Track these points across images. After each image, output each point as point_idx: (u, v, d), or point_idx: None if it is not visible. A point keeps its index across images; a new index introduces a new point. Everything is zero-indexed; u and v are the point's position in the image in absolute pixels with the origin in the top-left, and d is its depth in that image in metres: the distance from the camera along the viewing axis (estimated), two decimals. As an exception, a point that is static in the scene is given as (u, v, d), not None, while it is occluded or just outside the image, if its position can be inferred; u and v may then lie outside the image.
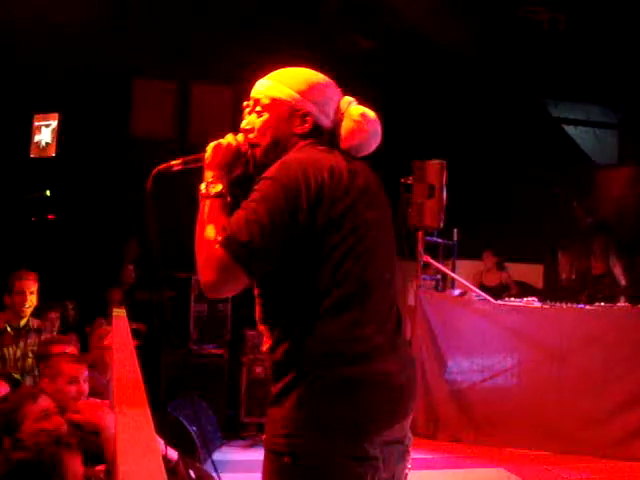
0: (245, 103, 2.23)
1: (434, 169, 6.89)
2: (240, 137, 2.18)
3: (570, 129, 10.04)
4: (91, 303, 7.18)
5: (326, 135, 2.14)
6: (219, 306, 6.98)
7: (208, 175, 2.13)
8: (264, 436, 2.08)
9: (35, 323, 5.07)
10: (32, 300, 5.00)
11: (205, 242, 1.99)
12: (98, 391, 3.84)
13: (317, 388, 1.94)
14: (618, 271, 7.96)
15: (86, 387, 3.56)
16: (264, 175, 2.00)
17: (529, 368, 6.44)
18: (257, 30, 8.68)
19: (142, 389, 2.13)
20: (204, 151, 2.19)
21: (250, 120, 2.19)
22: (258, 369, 6.61)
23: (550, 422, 6.23)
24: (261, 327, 2.08)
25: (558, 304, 6.75)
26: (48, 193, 8.49)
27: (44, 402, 2.94)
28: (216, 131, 8.25)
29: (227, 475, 5.07)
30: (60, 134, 8.69)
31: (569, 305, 6.76)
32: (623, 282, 7.82)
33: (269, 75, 2.20)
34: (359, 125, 2.13)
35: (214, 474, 4.01)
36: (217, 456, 5.69)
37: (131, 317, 4.35)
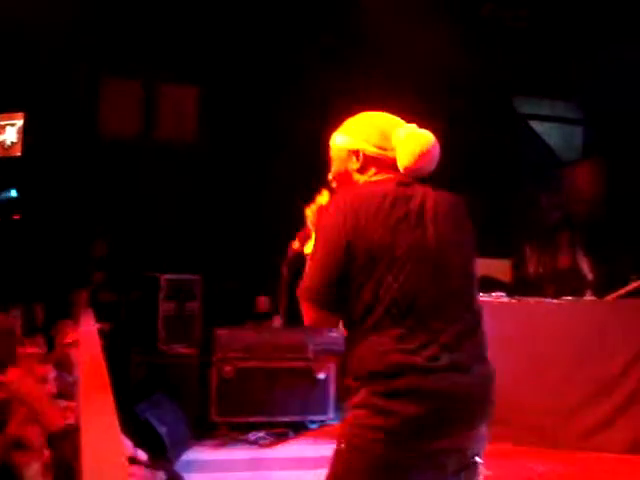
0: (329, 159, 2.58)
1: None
2: (325, 194, 2.57)
3: (536, 125, 10.13)
4: (57, 304, 7.11)
5: (387, 165, 2.42)
6: (188, 306, 6.97)
7: (314, 235, 2.44)
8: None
9: None
10: None
11: None
12: (65, 392, 3.81)
13: (371, 395, 2.16)
14: (585, 265, 8.04)
15: (54, 387, 3.54)
16: (316, 221, 2.44)
17: (496, 362, 6.47)
18: (225, 29, 8.67)
19: (108, 389, 2.12)
20: (305, 223, 2.60)
21: (331, 171, 2.56)
22: (228, 368, 6.59)
23: (518, 415, 6.27)
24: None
25: (525, 298, 6.80)
26: (14, 193, 8.40)
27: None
28: (182, 130, 8.21)
29: (198, 475, 5.08)
30: (26, 133, 8.60)
31: (536, 299, 6.82)
32: (590, 276, 7.90)
33: (338, 129, 2.55)
34: (410, 148, 2.39)
35: (184, 474, 4.01)
36: (188, 456, 5.67)
37: (96, 317, 4.33)
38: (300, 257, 2.57)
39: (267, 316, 7.76)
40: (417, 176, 2.42)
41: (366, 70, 8.63)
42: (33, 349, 4.14)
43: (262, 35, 8.71)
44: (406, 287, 2.21)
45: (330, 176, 2.56)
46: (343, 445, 2.21)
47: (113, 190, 8.45)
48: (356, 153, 2.45)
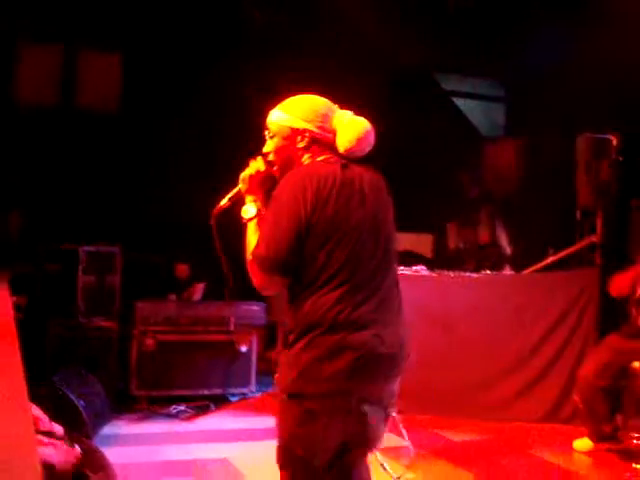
0: (266, 132, 2.78)
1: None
2: (260, 161, 2.78)
3: (459, 102, 10.25)
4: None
5: (327, 145, 2.71)
6: (108, 278, 6.85)
7: (248, 200, 2.75)
8: (277, 383, 2.60)
9: None
10: None
11: (247, 257, 2.61)
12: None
13: (309, 348, 2.49)
14: (503, 240, 8.21)
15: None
16: (273, 193, 2.60)
17: (416, 335, 6.55)
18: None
19: (19, 360, 2.07)
20: (238, 184, 2.80)
21: (268, 144, 2.77)
22: (148, 341, 6.52)
23: (437, 387, 6.40)
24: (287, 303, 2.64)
25: (445, 272, 6.91)
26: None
27: None
28: (104, 99, 8.01)
29: (117, 449, 5.03)
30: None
31: (455, 273, 6.93)
32: (508, 251, 8.08)
33: (277, 107, 2.76)
34: (351, 133, 2.70)
35: (103, 449, 3.96)
36: (107, 430, 5.60)
37: (12, 290, 4.22)
38: (225, 213, 2.81)
39: (187, 284, 7.70)
40: (353, 158, 2.72)
41: (290, 44, 8.59)
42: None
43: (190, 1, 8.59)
44: (349, 258, 2.55)
45: (269, 148, 2.77)
46: (283, 395, 2.54)
47: (30, 160, 8.23)
48: (302, 132, 2.70)
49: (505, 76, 9.89)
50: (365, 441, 2.69)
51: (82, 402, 5.07)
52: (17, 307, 4.89)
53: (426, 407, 6.37)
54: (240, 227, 2.77)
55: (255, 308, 6.79)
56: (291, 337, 2.57)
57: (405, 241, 8.77)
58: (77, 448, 3.32)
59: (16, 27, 8.42)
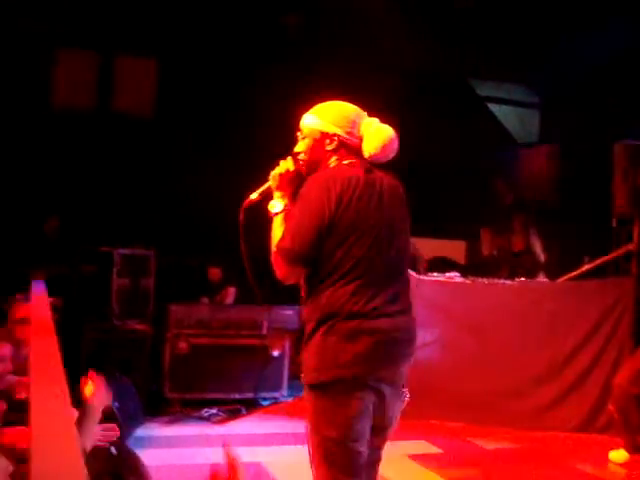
0: (298, 133, 2.98)
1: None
2: (289, 161, 2.96)
3: (494, 107, 10.20)
4: (9, 282, 6.96)
5: (353, 149, 2.91)
6: (142, 281, 6.89)
7: (276, 196, 2.94)
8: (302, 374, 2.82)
9: None
10: None
11: (272, 250, 2.82)
12: (19, 368, 3.76)
13: (328, 335, 2.71)
14: (537, 248, 8.14)
15: (10, 365, 3.48)
16: (300, 191, 2.82)
17: (450, 342, 6.56)
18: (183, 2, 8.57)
19: (59, 363, 2.09)
20: (268, 180, 2.97)
21: (300, 145, 2.97)
22: (182, 344, 6.56)
23: (471, 395, 6.36)
24: (304, 297, 2.89)
25: (479, 279, 6.87)
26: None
27: None
28: (140, 104, 8.08)
29: (150, 451, 5.05)
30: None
31: (490, 280, 6.89)
32: (542, 258, 8.01)
33: (310, 111, 2.97)
34: (377, 140, 2.88)
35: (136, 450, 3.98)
36: (140, 432, 5.64)
37: (48, 291, 4.26)
38: (254, 207, 2.97)
39: (219, 287, 7.73)
40: (377, 163, 2.91)
41: (326, 54, 8.60)
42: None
43: (226, 7, 8.63)
44: (365, 256, 2.77)
45: (300, 148, 2.96)
46: (310, 389, 2.74)
47: (67, 163, 8.32)
48: (331, 136, 2.90)
49: (540, 82, 9.81)
50: (386, 422, 2.88)
51: (116, 404, 5.10)
52: (54, 308, 4.94)
53: (459, 415, 6.35)
54: (267, 223, 2.95)
55: (288, 312, 6.80)
56: (310, 327, 2.77)
57: (438, 247, 8.75)
58: (112, 449, 3.34)
59: (54, 32, 8.52)
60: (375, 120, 2.96)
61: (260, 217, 2.95)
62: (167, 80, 9.08)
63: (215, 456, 5.21)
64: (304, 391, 2.81)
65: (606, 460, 5.51)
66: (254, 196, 3.00)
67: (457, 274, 6.94)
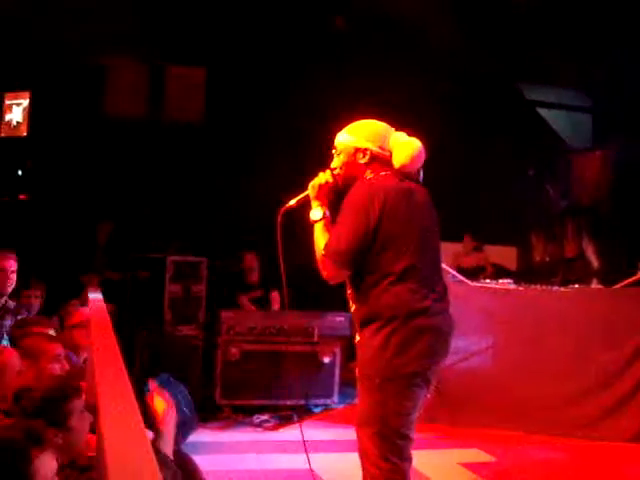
0: (333, 151, 3.26)
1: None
2: (328, 173, 3.23)
3: (544, 112, 10.09)
4: (62, 286, 7.07)
5: (385, 162, 3.17)
6: (194, 287, 6.96)
7: (314, 205, 3.20)
8: (357, 369, 3.10)
9: (12, 304, 4.99)
10: (13, 279, 4.92)
11: (318, 253, 3.11)
12: (74, 372, 3.81)
13: (393, 333, 2.96)
14: (591, 254, 8.03)
15: (67, 365, 3.53)
16: (345, 200, 3.09)
17: (503, 349, 6.49)
18: (233, 9, 8.63)
19: (123, 368, 2.12)
20: (307, 190, 3.22)
21: (335, 161, 3.25)
22: (233, 350, 6.59)
23: (524, 403, 6.28)
24: (351, 298, 3.17)
25: (532, 286, 6.79)
26: (20, 173, 8.38)
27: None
28: (189, 112, 8.16)
29: (202, 456, 5.06)
30: (31, 113, 8.57)
31: (543, 287, 6.81)
32: (596, 264, 7.89)
33: (343, 130, 3.25)
34: (406, 152, 3.15)
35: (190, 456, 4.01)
36: (192, 438, 5.67)
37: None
38: (291, 212, 3.23)
39: (257, 285, 7.67)
40: (406, 173, 3.17)
41: (375, 59, 8.59)
42: (42, 328, 4.12)
43: (272, 15, 8.68)
44: (414, 257, 3.05)
45: (336, 164, 3.24)
46: (378, 380, 2.97)
47: (120, 171, 8.43)
48: (364, 151, 3.17)
49: (592, 85, 9.67)
50: (420, 410, 3.13)
51: (171, 409, 5.14)
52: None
53: (512, 423, 6.27)
54: (303, 229, 3.26)
55: (339, 319, 6.79)
56: (373, 325, 3.02)
57: (491, 253, 8.68)
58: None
59: (105, 43, 8.65)
60: (403, 134, 3.24)
61: (298, 223, 3.23)
62: (216, 87, 9.17)
63: (268, 462, 5.26)
64: (363, 383, 3.05)
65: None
66: (292, 202, 3.27)
67: (510, 281, 6.87)
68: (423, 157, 3.22)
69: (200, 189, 8.60)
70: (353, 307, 3.19)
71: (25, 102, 8.67)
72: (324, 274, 3.10)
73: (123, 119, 8.95)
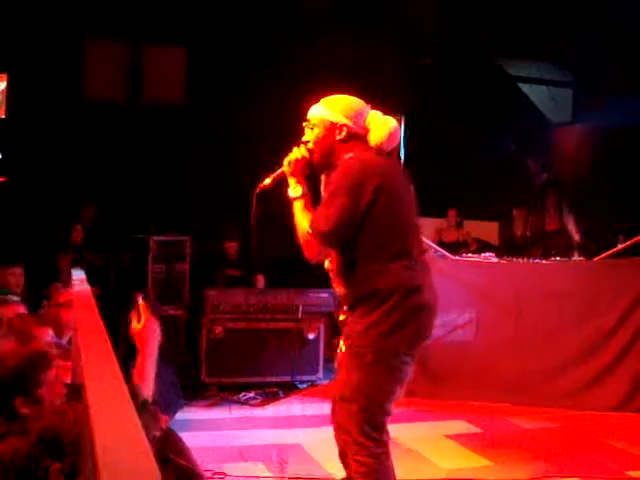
0: (304, 123, 3.17)
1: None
2: (302, 148, 3.13)
3: (525, 87, 10.11)
4: (39, 268, 7.03)
5: (362, 139, 3.10)
6: (177, 267, 6.95)
7: (291, 182, 3.11)
8: (347, 344, 3.06)
9: None
10: None
11: (302, 232, 3.04)
12: (61, 352, 3.80)
13: (391, 311, 2.94)
14: (571, 227, 8.09)
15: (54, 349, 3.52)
16: (334, 178, 3.03)
17: (486, 322, 6.54)
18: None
19: (109, 347, 2.12)
20: (281, 167, 3.15)
21: (308, 134, 3.16)
22: (218, 329, 6.60)
23: (508, 375, 6.34)
24: (338, 278, 3.12)
25: (514, 259, 6.84)
26: (-1, 155, 8.32)
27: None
28: (169, 92, 8.10)
29: (189, 434, 5.09)
30: (9, 95, 8.49)
31: (524, 260, 6.86)
32: (577, 238, 7.95)
33: (318, 103, 3.16)
34: (383, 130, 3.11)
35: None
36: (179, 416, 5.70)
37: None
38: (270, 191, 3.16)
39: (237, 266, 7.68)
40: (382, 151, 3.13)
41: (345, 33, 8.56)
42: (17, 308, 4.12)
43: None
44: (405, 234, 3.06)
45: (309, 137, 3.14)
46: (370, 357, 2.94)
47: (100, 153, 8.38)
48: (340, 127, 3.08)
49: (572, 59, 9.69)
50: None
51: (157, 389, 5.15)
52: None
53: (497, 395, 6.33)
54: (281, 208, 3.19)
55: (323, 295, 6.81)
56: (368, 301, 2.98)
57: (473, 229, 8.73)
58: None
59: (82, 24, 8.57)
60: (379, 112, 3.19)
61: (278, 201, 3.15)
62: (196, 67, 9.11)
63: (255, 438, 5.30)
64: (352, 359, 3.02)
65: (640, 438, 5.48)
66: (267, 181, 3.18)
67: (492, 254, 6.91)
68: (399, 136, 3.23)
69: (181, 169, 8.57)
70: (340, 287, 3.14)
71: (3, 84, 8.58)
72: (307, 253, 3.06)
73: (103, 100, 8.88)
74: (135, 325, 2.93)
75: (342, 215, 2.93)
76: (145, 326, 2.92)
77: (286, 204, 3.13)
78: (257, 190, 3.17)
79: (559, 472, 4.74)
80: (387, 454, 3.08)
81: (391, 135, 3.13)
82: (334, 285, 3.19)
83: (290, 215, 3.12)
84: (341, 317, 3.17)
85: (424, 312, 3.03)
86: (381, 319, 2.95)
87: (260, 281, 7.64)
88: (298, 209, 3.08)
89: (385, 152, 3.15)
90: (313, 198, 3.13)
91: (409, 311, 2.96)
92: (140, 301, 3.05)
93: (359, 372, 2.99)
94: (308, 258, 3.08)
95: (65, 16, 8.31)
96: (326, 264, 3.21)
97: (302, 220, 3.05)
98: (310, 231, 2.99)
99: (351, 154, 3.06)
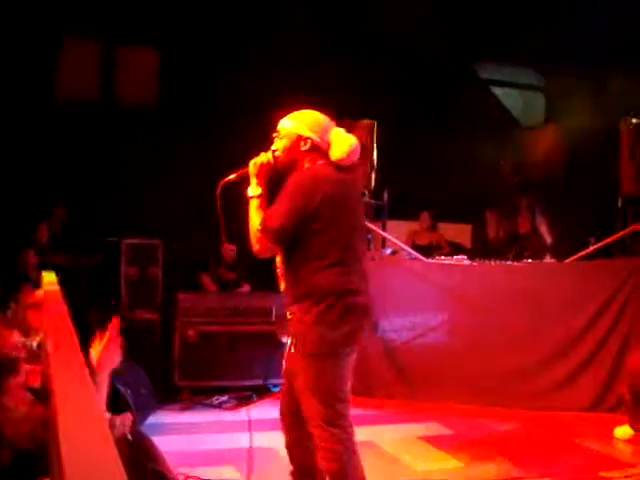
0: (274, 134, 3.46)
1: (364, 129, 6.85)
2: (269, 154, 3.43)
3: (497, 90, 10.17)
4: (4, 267, 6.94)
5: (323, 152, 3.39)
6: (150, 270, 6.91)
7: (253, 182, 3.40)
8: (293, 344, 3.33)
9: None
10: None
11: (253, 228, 3.32)
12: (30, 355, 3.77)
13: (327, 310, 3.22)
14: (544, 229, 8.13)
15: (22, 352, 3.49)
16: (288, 183, 3.31)
17: (459, 324, 6.58)
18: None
19: (78, 349, 2.10)
20: (248, 167, 3.42)
21: (276, 143, 3.45)
22: (190, 332, 6.58)
23: (479, 376, 6.38)
24: (283, 278, 3.41)
25: (486, 262, 6.88)
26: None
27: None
28: (143, 93, 8.02)
29: (162, 437, 5.06)
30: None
31: (497, 262, 6.90)
32: (549, 240, 7.99)
33: (287, 116, 3.46)
34: (344, 146, 3.38)
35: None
36: (151, 419, 5.67)
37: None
38: (231, 186, 3.42)
39: (233, 268, 7.66)
40: (341, 165, 3.39)
41: (321, 41, 8.57)
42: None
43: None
44: (344, 242, 3.33)
45: (277, 146, 3.44)
46: (314, 353, 3.23)
47: (72, 154, 8.31)
48: (305, 139, 3.38)
49: (543, 63, 9.76)
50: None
51: (129, 392, 5.13)
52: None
53: (470, 397, 6.37)
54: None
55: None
56: (306, 302, 3.26)
57: (445, 231, 8.76)
58: (127, 435, 3.36)
59: (56, 24, 8.50)
60: (342, 129, 3.49)
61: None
62: (169, 69, 9.07)
63: (228, 441, 5.28)
64: (299, 359, 3.29)
65: (611, 437, 5.52)
66: (232, 176, 3.47)
67: (465, 257, 6.94)
68: (358, 153, 3.46)
69: (153, 171, 8.51)
70: (284, 285, 3.42)
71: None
72: (256, 248, 3.33)
73: (75, 101, 8.80)
74: (95, 349, 2.97)
75: (291, 215, 3.22)
76: (102, 353, 3.05)
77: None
78: (222, 183, 3.44)
79: (530, 473, 4.77)
80: (352, 440, 3.33)
81: (351, 152, 3.40)
82: (279, 281, 3.48)
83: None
84: (288, 315, 3.41)
85: (360, 311, 3.31)
86: (318, 318, 3.23)
87: (245, 288, 7.61)
88: (253, 207, 3.36)
89: (344, 166, 3.40)
90: (269, 200, 3.38)
91: (346, 309, 3.24)
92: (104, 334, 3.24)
93: (307, 369, 3.27)
94: (256, 253, 3.35)
95: (39, 16, 8.23)
96: (277, 261, 3.47)
97: (255, 217, 3.33)
98: (260, 227, 3.27)
99: (310, 165, 3.38)
